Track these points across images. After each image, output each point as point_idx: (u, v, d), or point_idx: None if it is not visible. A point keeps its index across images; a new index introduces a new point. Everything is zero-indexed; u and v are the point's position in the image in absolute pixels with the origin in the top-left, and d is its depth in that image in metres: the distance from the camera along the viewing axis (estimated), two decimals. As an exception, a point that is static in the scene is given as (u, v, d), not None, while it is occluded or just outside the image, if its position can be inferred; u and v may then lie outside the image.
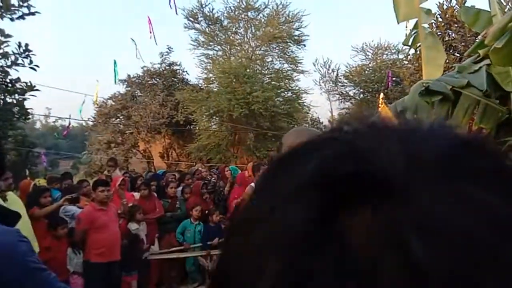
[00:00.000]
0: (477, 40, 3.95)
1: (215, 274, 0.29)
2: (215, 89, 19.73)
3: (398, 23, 4.19)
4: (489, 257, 0.20)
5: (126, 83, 22.28)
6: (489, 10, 3.62)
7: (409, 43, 4.21)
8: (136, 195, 6.38)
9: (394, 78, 20.46)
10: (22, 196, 5.22)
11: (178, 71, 22.63)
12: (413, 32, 4.13)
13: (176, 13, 15.14)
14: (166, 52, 21.96)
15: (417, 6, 4.06)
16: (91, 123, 22.12)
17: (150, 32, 11.84)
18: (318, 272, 0.21)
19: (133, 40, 12.96)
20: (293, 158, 0.29)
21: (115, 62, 13.48)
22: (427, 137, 0.26)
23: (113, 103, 21.96)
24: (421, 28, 4.08)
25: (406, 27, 4.54)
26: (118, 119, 22.33)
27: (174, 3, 14.32)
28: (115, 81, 13.48)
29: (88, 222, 4.71)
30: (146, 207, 6.10)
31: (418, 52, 4.31)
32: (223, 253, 0.28)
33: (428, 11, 4.14)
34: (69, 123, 16.55)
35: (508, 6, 4.34)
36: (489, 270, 0.20)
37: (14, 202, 4.04)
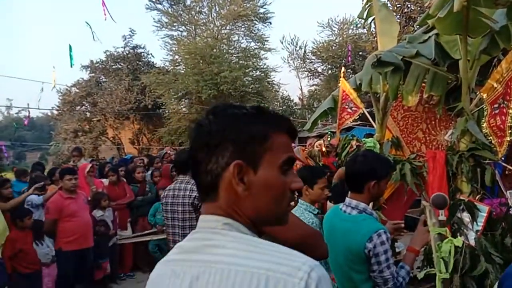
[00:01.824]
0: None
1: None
2: (182, 71, 19.44)
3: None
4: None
5: (89, 69, 21.61)
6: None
7: (364, 16, 4.30)
8: (105, 181, 6.34)
9: (360, 53, 20.74)
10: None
11: (142, 54, 22.14)
12: (367, 5, 4.23)
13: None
14: (129, 35, 21.40)
15: (371, -21, 4.15)
16: (55, 112, 21.45)
17: (105, 14, 11.49)
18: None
19: (87, 23, 12.59)
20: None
21: (70, 47, 13.11)
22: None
23: (77, 91, 21.33)
24: (375, 1, 4.18)
25: (362, 0, 4.62)
26: (83, 107, 21.75)
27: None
28: (71, 65, 13.16)
29: (57, 211, 4.67)
30: (115, 193, 6.08)
31: (373, 25, 4.41)
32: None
33: (382, -16, 4.23)
34: (29, 112, 16.06)
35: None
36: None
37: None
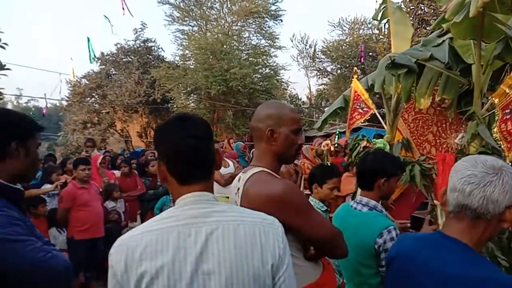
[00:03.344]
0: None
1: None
2: (192, 66, 19.51)
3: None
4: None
5: (100, 61, 21.75)
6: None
7: (378, 18, 4.35)
8: (117, 173, 6.44)
9: (370, 53, 20.69)
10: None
11: (153, 48, 22.24)
12: (382, 7, 4.27)
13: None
14: (140, 28, 21.51)
15: (387, -19, 4.19)
16: (65, 103, 21.63)
17: (123, 8, 11.53)
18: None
19: (106, 16, 12.60)
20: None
21: (88, 40, 13.03)
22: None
23: (87, 82, 21.50)
24: (390, 3, 4.23)
25: (376, 1, 4.66)
26: (93, 99, 21.91)
27: (147, -22, 13.87)
28: (90, 60, 13.04)
29: (70, 200, 4.77)
30: (127, 185, 6.18)
31: (387, 27, 4.45)
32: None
33: (397, -14, 4.27)
34: (46, 102, 16.09)
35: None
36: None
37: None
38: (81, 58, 39.36)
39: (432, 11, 10.47)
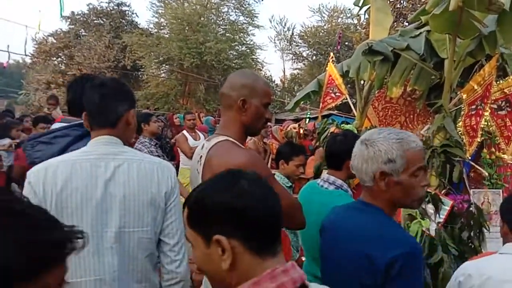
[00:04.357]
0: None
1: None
2: (166, 36, 18.97)
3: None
4: None
5: (69, 20, 20.73)
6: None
7: (360, 4, 4.34)
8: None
9: (346, 43, 20.84)
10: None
11: (127, 12, 21.41)
12: (364, -7, 4.26)
13: None
14: (115, -10, 20.61)
15: (371, -32, 4.17)
16: (29, 60, 20.58)
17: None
18: None
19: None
20: None
21: None
22: None
23: (55, 41, 20.48)
24: (373, -10, 4.22)
25: (360, -12, 4.64)
26: (59, 59, 20.95)
27: None
28: (60, 15, 12.36)
29: (25, 158, 4.56)
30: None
31: (367, 15, 4.46)
32: None
33: (381, -26, 4.26)
34: (9, 55, 15.09)
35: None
36: None
37: None
38: (49, 14, 37.21)
39: (411, 5, 10.62)
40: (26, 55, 18.21)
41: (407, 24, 10.86)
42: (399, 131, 1.33)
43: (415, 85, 3.38)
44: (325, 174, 2.14)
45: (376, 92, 4.03)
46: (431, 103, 3.54)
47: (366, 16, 5.51)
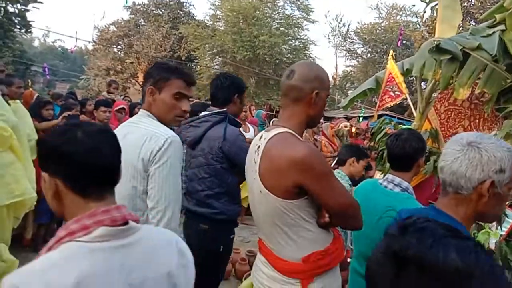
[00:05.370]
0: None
1: None
2: (221, 28, 19.19)
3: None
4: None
5: (130, 10, 21.58)
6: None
7: (427, 0, 4.13)
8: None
9: (404, 41, 20.04)
10: (25, 106, 5.23)
11: (185, 3, 21.93)
12: (434, -12, 4.04)
13: None
14: (175, -18, 21.14)
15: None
16: (91, 47, 21.69)
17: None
18: None
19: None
20: None
21: None
22: None
23: (116, 29, 21.42)
24: (442, -15, 3.99)
25: (426, -17, 4.40)
26: (119, 47, 21.89)
27: None
28: (126, 3, 13.10)
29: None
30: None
31: (434, 14, 4.23)
32: None
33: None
34: (76, 40, 16.02)
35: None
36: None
37: (18, 110, 4.05)
38: (115, 3, 39.09)
39: (480, 3, 9.98)
40: (92, 42, 19.23)
41: (473, 23, 10.24)
42: (503, 140, 1.22)
43: (484, 87, 3.16)
44: (388, 175, 2.06)
45: (439, 93, 3.83)
46: (500, 108, 3.31)
47: (429, 13, 5.22)
